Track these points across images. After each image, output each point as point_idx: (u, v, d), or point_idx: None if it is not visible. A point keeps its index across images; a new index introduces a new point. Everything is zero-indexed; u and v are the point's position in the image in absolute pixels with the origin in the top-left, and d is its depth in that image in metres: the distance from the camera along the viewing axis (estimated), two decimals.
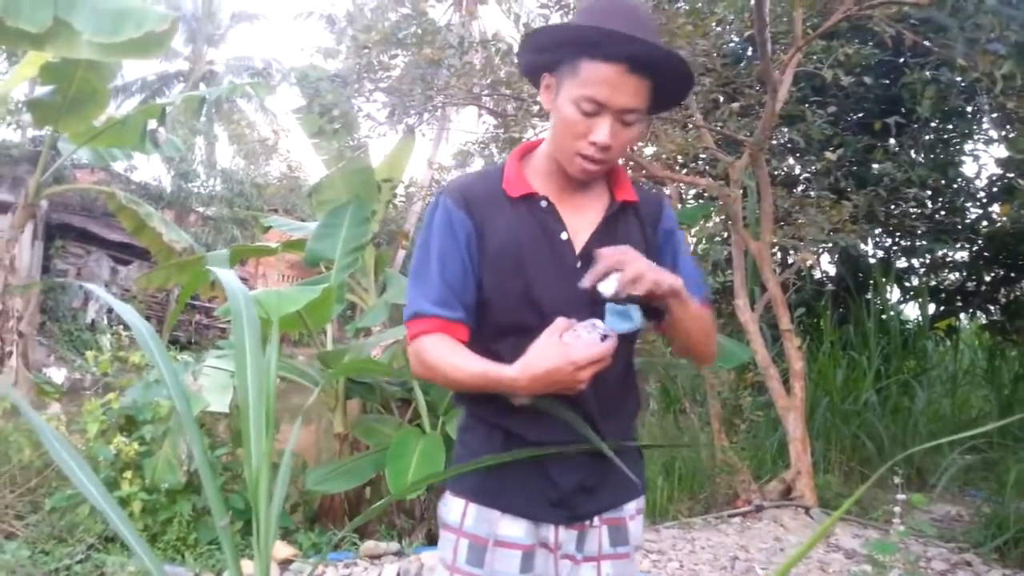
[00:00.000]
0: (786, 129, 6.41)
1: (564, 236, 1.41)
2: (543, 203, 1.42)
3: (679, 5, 5.60)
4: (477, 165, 8.29)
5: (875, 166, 6.65)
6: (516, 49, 5.40)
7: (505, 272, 1.39)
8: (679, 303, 1.36)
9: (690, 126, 5.74)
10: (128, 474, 3.75)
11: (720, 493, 5.23)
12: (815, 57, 5.50)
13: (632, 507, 1.50)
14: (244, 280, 18.34)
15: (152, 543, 3.69)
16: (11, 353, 5.42)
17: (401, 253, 12.68)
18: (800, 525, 4.74)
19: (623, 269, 1.27)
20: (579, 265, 1.39)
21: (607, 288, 1.27)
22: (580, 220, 1.43)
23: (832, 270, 8.34)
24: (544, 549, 1.42)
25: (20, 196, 7.60)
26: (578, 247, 1.41)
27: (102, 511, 1.41)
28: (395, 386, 4.68)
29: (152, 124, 6.26)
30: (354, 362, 4.14)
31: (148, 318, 15.93)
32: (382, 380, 4.71)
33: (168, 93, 24.24)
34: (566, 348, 1.25)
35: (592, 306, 1.34)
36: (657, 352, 5.39)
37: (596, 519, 1.45)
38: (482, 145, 7.21)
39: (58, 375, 10.47)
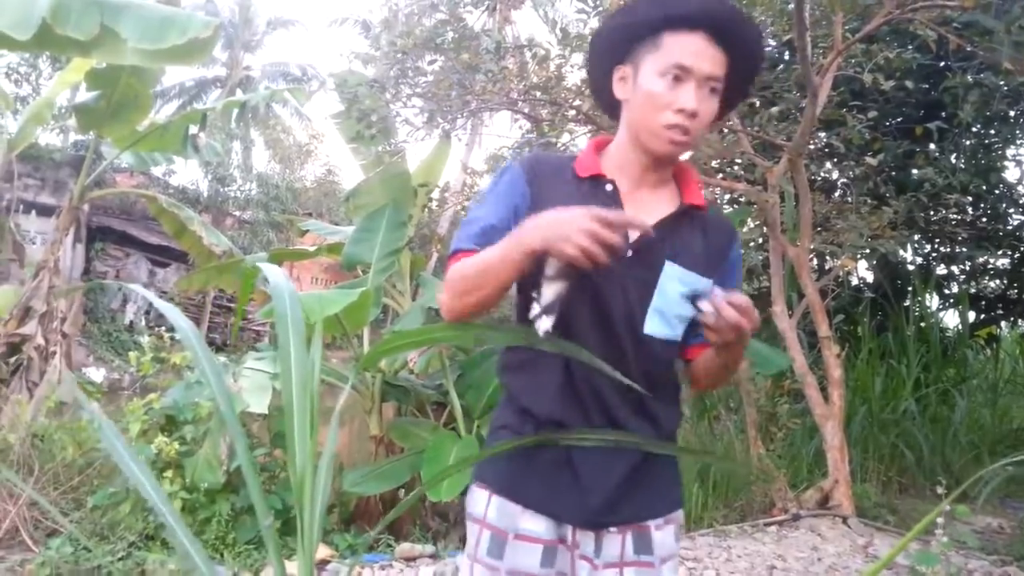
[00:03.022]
0: (825, 134, 6.35)
1: None
2: (608, 186, 1.42)
3: None
4: None
5: (915, 171, 6.56)
6: (552, 55, 5.42)
7: None
8: (729, 351, 1.35)
9: (727, 130, 5.70)
10: (169, 473, 3.80)
11: (756, 501, 5.18)
12: (855, 61, 5.44)
13: (660, 518, 1.45)
14: None
15: None
16: (55, 353, 5.51)
17: (435, 257, 12.73)
18: (838, 535, 4.68)
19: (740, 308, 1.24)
20: (630, 254, 1.37)
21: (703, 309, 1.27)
22: (643, 214, 1.38)
23: (870, 276, 8.23)
24: (563, 546, 1.41)
25: (63, 199, 7.76)
26: (632, 237, 1.38)
27: (159, 511, 1.42)
28: (430, 389, 4.70)
29: (193, 129, 6.35)
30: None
31: None
32: (417, 383, 4.74)
33: (205, 98, 24.60)
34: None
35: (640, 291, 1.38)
36: None
37: (614, 528, 1.42)
38: (517, 150, 7.22)
39: (97, 375, 10.64)
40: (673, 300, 1.38)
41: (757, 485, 5.23)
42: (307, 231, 6.19)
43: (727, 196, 7.22)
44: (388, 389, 4.56)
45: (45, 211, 13.88)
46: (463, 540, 4.28)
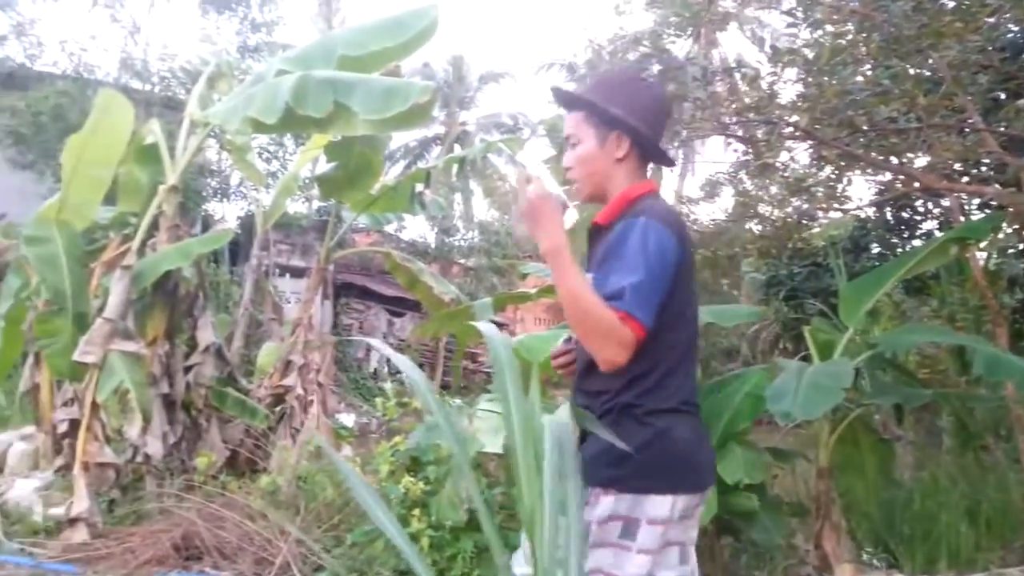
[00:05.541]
0: None
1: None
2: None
3: (943, 2, 5.13)
4: (726, 195, 8.06)
5: None
6: (763, 73, 5.24)
7: None
8: (553, 264, 1.71)
9: (968, 129, 5.19)
10: (416, 511, 4.01)
11: None
12: None
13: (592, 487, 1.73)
14: (503, 325, 19.26)
15: None
16: (312, 401, 6.07)
17: None
18: None
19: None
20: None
21: None
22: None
23: None
24: None
25: (312, 261, 8.58)
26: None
27: (398, 545, 1.55)
28: None
29: (419, 187, 6.81)
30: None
31: (421, 365, 17.17)
32: None
33: (428, 156, 26.33)
34: None
35: None
36: (950, 382, 4.86)
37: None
38: (732, 174, 7.01)
39: (348, 420, 11.56)
40: None
41: None
42: (527, 274, 6.37)
43: (976, 201, 6.54)
44: None
45: (297, 273, 15.45)
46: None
